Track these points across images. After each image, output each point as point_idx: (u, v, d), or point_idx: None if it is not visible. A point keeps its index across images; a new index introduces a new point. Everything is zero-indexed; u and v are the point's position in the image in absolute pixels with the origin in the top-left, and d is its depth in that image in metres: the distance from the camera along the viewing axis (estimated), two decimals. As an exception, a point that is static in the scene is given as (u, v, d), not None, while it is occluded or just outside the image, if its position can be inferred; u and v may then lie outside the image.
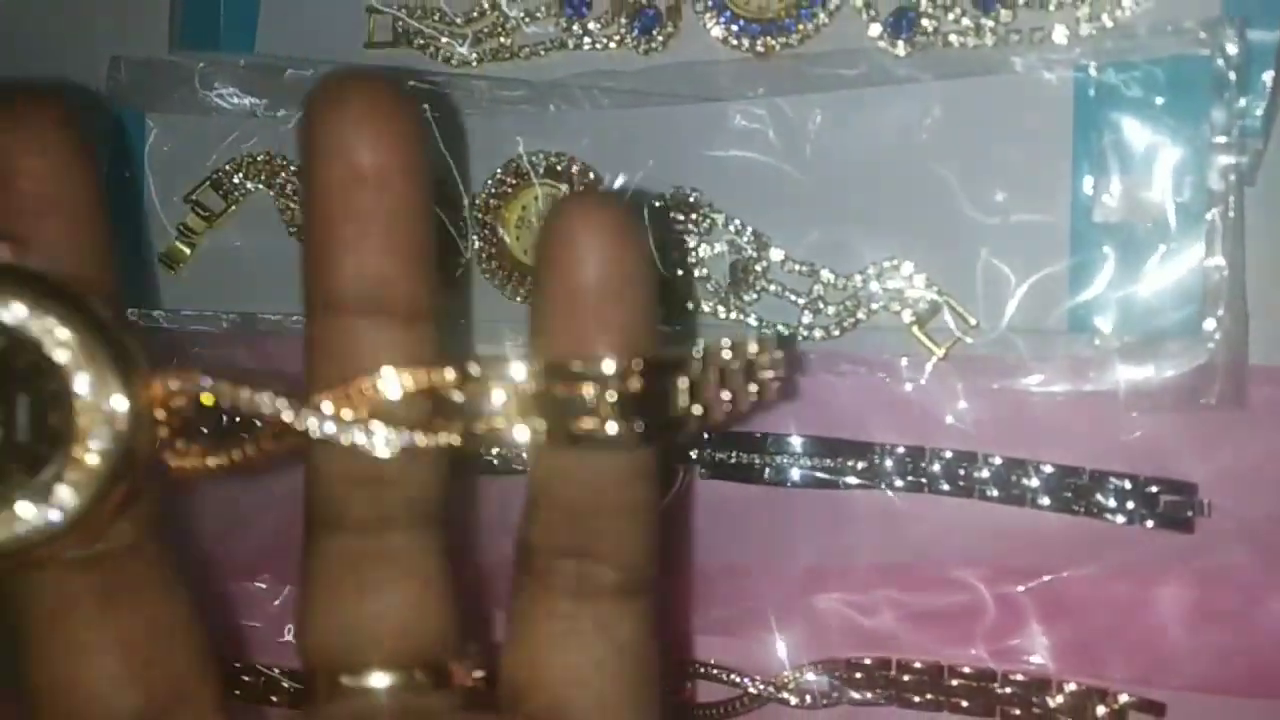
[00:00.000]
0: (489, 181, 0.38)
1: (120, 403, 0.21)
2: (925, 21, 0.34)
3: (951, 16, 0.33)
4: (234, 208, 0.41)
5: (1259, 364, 0.30)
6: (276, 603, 0.41)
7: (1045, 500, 0.33)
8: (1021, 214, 0.32)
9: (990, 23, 0.33)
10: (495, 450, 0.37)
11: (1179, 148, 0.30)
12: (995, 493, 0.33)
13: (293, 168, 0.40)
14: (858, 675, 0.34)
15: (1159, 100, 0.30)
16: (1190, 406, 0.30)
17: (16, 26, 0.45)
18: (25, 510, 0.21)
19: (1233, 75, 0.29)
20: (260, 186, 0.41)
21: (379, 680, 0.22)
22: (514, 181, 0.38)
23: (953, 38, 0.34)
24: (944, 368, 0.32)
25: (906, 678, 0.34)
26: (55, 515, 0.21)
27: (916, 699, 0.34)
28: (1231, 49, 0.29)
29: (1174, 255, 0.30)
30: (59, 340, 0.21)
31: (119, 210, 0.42)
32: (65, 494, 0.21)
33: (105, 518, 0.21)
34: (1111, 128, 0.31)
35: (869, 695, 0.34)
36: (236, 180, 0.41)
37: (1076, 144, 0.31)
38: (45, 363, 0.21)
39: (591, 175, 0.37)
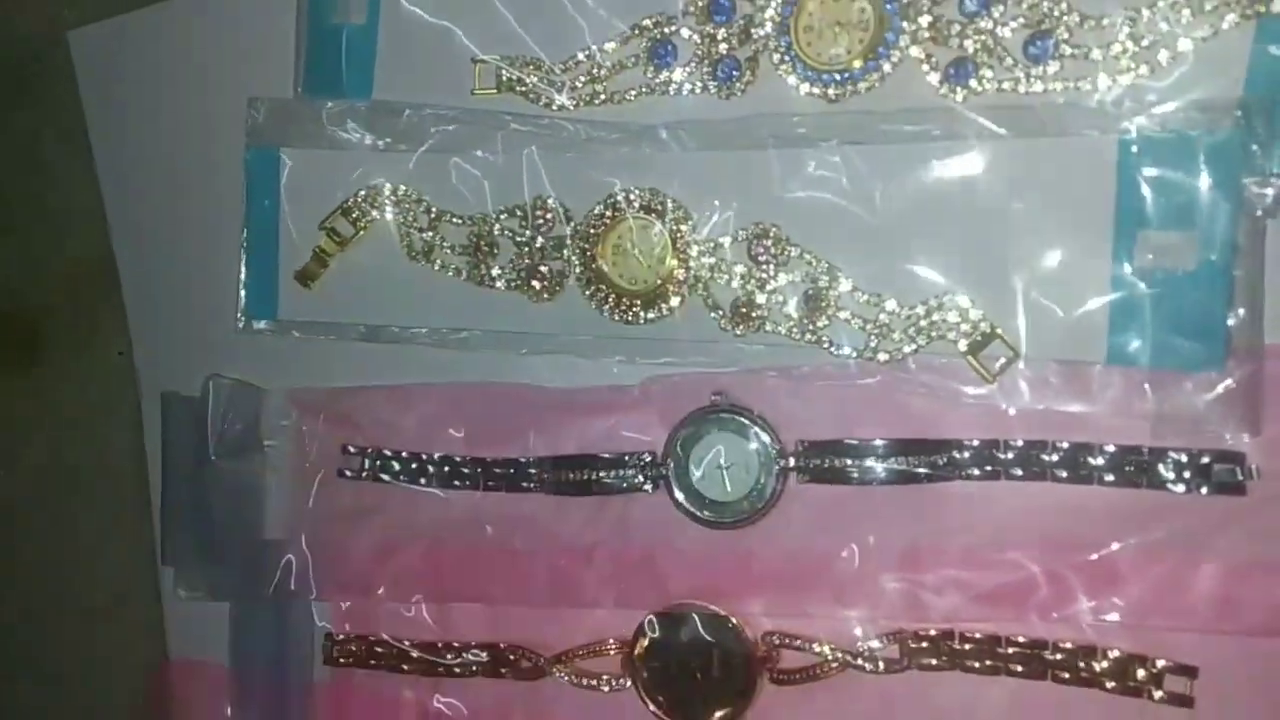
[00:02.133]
0: (588, 214, 0.43)
1: None
2: (981, 71, 0.37)
3: (1005, 65, 0.37)
4: (361, 233, 0.46)
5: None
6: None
7: (1110, 477, 0.37)
8: (1067, 258, 0.36)
9: (1040, 72, 0.37)
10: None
11: (1209, 206, 0.34)
12: (1064, 474, 0.37)
13: (413, 198, 0.45)
14: (923, 645, 0.40)
15: (1193, 163, 0.34)
16: (1211, 433, 0.34)
17: (157, 71, 0.50)
18: None
19: (1259, 150, 0.32)
20: (385, 215, 0.46)
21: None
22: (610, 214, 0.42)
23: (1006, 86, 0.37)
24: (993, 392, 0.37)
25: (967, 646, 0.39)
26: None
27: (976, 665, 0.39)
28: (1260, 128, 0.32)
29: (1202, 300, 0.34)
30: None
31: (260, 232, 0.48)
32: None
33: None
34: (1150, 185, 0.34)
35: (933, 662, 0.39)
36: (365, 209, 0.46)
37: (1119, 198, 0.35)
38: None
39: (682, 211, 0.41)
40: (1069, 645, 0.38)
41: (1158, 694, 0.37)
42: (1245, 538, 0.35)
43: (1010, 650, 0.39)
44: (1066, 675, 0.38)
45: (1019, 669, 0.38)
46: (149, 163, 0.52)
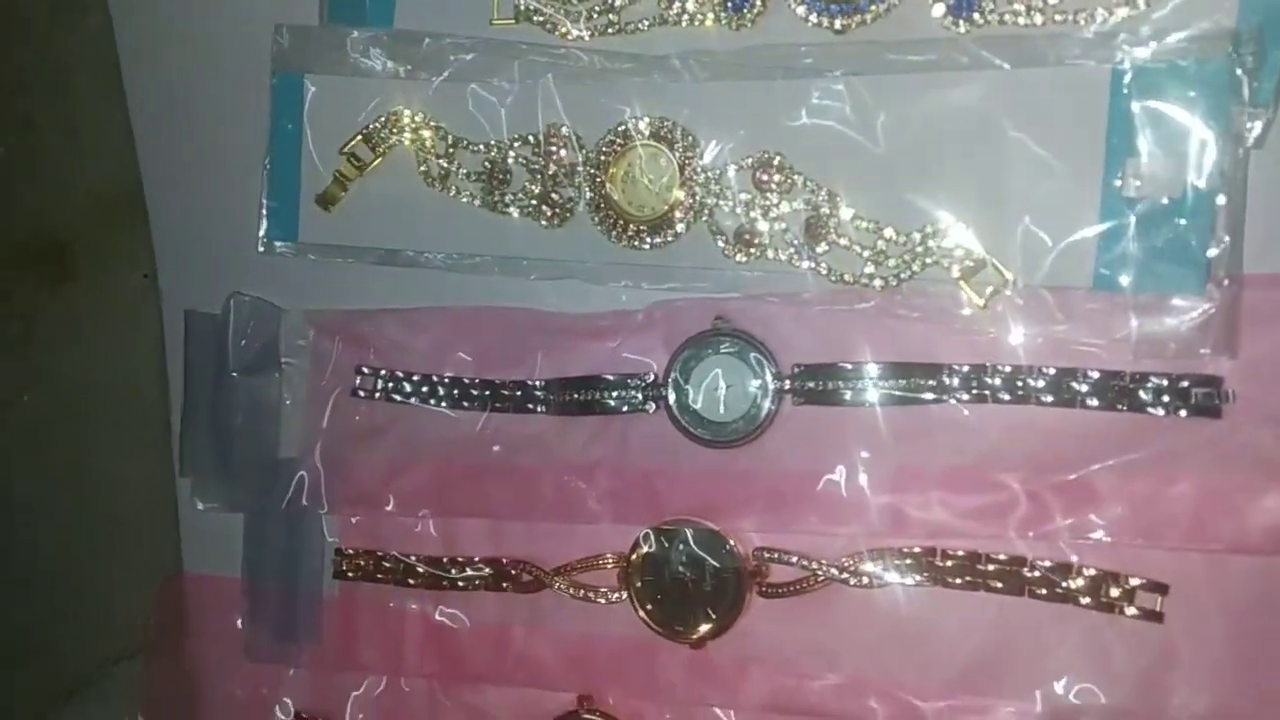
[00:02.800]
0: (599, 142, 0.44)
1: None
2: (984, 3, 0.38)
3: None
4: (381, 159, 0.48)
5: (1259, 273, 0.36)
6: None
7: (1093, 401, 0.38)
8: (1059, 187, 0.37)
9: (1040, 4, 0.38)
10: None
11: (1198, 135, 0.35)
12: (1049, 398, 0.38)
13: (433, 124, 0.47)
14: (906, 561, 0.41)
15: (1183, 93, 0.35)
16: (1190, 354, 0.35)
17: (180, 3, 0.52)
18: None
19: (1248, 80, 0.33)
20: (404, 140, 0.47)
21: None
22: (621, 142, 0.44)
23: (1008, 19, 0.38)
24: (983, 316, 0.38)
25: (948, 563, 0.41)
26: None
27: (957, 581, 0.40)
28: (1249, 58, 0.33)
29: (1186, 227, 0.35)
30: None
31: (283, 156, 0.49)
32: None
33: None
34: (1140, 115, 0.36)
35: (916, 579, 0.41)
36: (384, 135, 0.47)
37: (1110, 128, 0.36)
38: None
39: (690, 138, 0.43)
40: (1046, 563, 0.39)
41: (1130, 610, 0.38)
42: (1220, 459, 0.37)
43: (990, 567, 0.40)
44: (1043, 592, 0.39)
45: (998, 585, 0.40)
46: (177, 89, 0.53)
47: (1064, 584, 0.39)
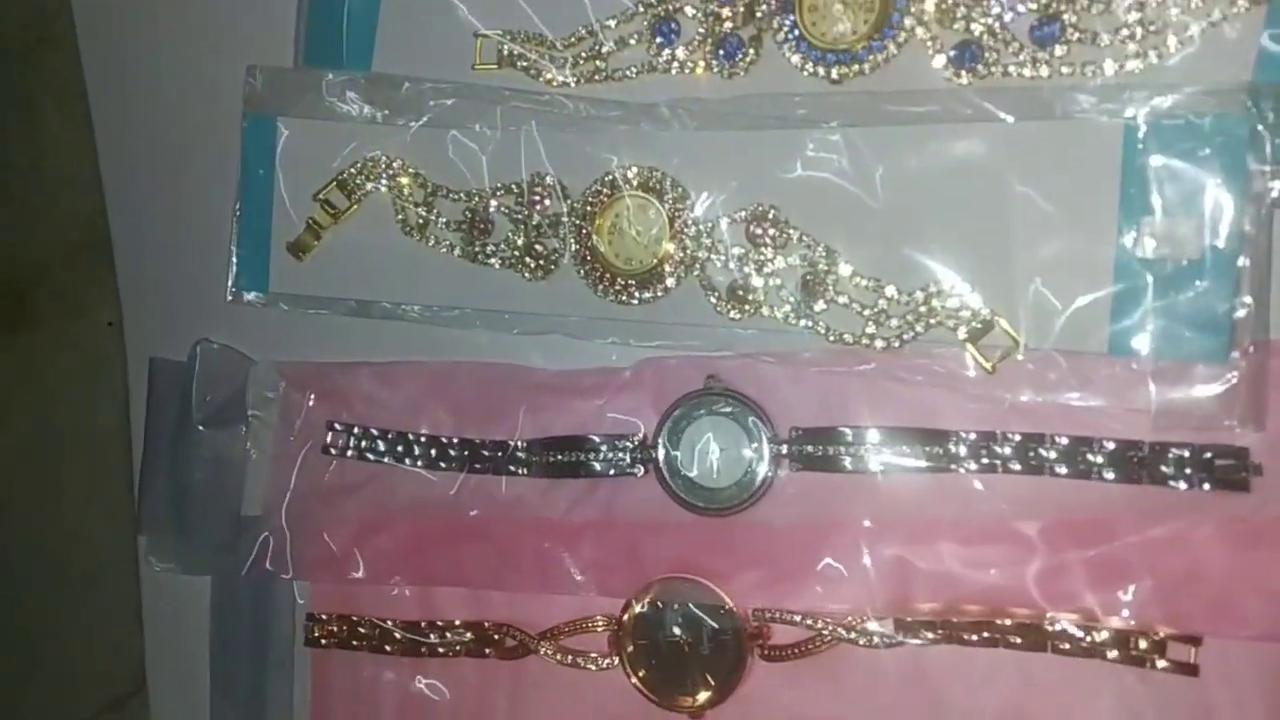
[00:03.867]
0: (585, 192, 0.42)
1: None
2: (987, 55, 0.37)
3: (1011, 50, 0.36)
4: (357, 206, 0.46)
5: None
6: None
7: (1110, 474, 0.36)
8: (1070, 245, 0.35)
9: (1046, 56, 0.36)
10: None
11: (1217, 194, 0.33)
12: (1063, 469, 0.36)
13: (411, 171, 0.45)
14: (920, 618, 0.38)
15: (1200, 150, 0.33)
16: (1214, 426, 0.33)
17: (158, 39, 0.50)
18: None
19: (1269, 136, 0.31)
20: (380, 187, 0.45)
21: None
22: (608, 193, 0.42)
23: (1012, 70, 0.37)
24: (991, 380, 0.36)
25: (965, 619, 0.38)
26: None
27: (974, 637, 0.38)
28: (1270, 114, 0.31)
29: (1207, 291, 0.33)
30: None
31: (254, 201, 0.47)
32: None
33: None
34: (1155, 172, 0.34)
35: (930, 636, 0.38)
36: (360, 181, 0.45)
37: (1123, 185, 0.34)
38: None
39: (680, 189, 0.41)
40: (1070, 615, 0.37)
41: (1161, 663, 0.36)
42: (1249, 536, 0.34)
43: (1009, 622, 0.38)
44: (1067, 646, 0.37)
45: (1018, 641, 0.37)
46: (147, 131, 0.51)
47: (1089, 637, 0.37)
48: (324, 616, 0.48)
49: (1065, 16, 0.35)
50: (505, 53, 0.43)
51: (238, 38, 0.48)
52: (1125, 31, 0.35)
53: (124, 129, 0.52)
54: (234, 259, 0.47)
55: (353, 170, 0.45)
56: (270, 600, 0.49)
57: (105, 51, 0.52)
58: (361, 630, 0.47)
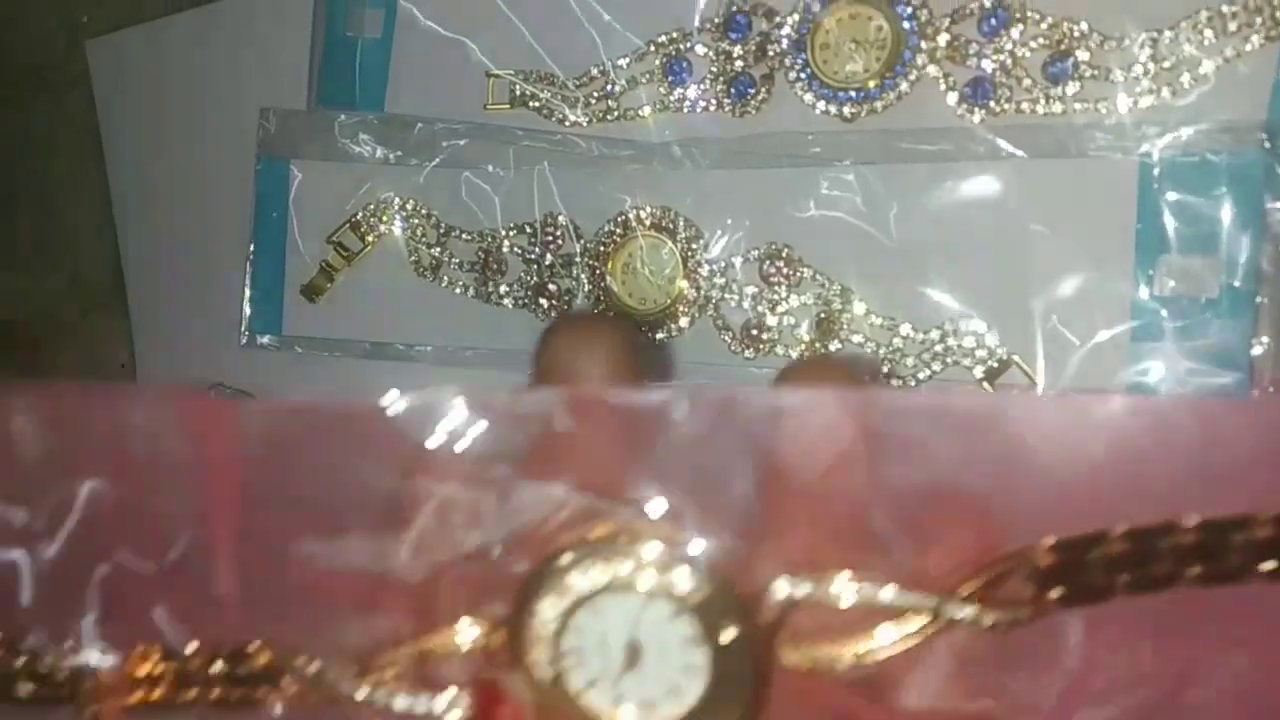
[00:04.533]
0: (598, 232, 0.42)
1: None
2: (1000, 91, 0.37)
3: (1024, 86, 0.36)
4: (370, 248, 0.46)
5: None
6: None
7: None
8: (1087, 283, 0.35)
9: (1059, 93, 0.36)
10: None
11: (1234, 231, 0.33)
12: None
13: (424, 212, 0.45)
14: None
15: (1216, 187, 0.33)
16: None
17: (172, 82, 0.51)
18: None
19: (1286, 172, 0.31)
20: (394, 229, 0.45)
21: None
22: (621, 232, 0.42)
23: (1025, 106, 0.37)
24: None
25: None
26: None
27: None
28: (1285, 150, 0.31)
29: (1225, 329, 0.33)
30: None
31: (267, 244, 0.47)
32: None
33: None
34: (1171, 209, 0.34)
35: None
36: (373, 223, 0.46)
37: (1140, 222, 0.34)
38: None
39: (694, 229, 0.41)
40: None
41: None
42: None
43: None
44: None
45: None
46: (161, 173, 0.52)
47: None
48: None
49: (1078, 53, 0.35)
50: (517, 92, 0.43)
51: (251, 80, 0.48)
52: (1139, 68, 0.35)
53: (137, 171, 0.52)
54: (247, 302, 0.48)
55: (366, 212, 0.46)
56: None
57: (118, 95, 0.53)
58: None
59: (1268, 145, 0.32)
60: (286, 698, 0.23)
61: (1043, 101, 0.36)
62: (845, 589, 0.21)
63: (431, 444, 0.21)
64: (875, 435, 0.21)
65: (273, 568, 0.23)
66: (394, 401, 0.20)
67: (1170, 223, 0.34)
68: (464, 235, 0.44)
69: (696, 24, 0.40)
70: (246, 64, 0.49)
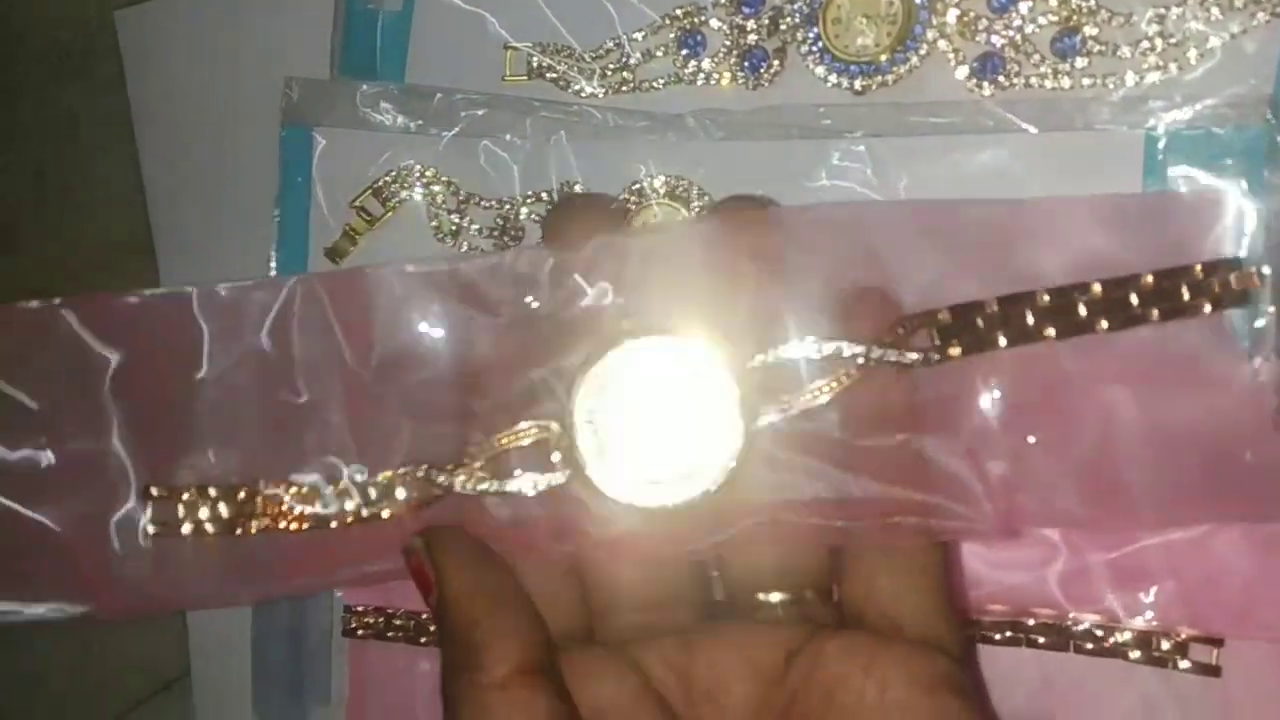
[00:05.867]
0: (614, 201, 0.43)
1: None
2: (1009, 66, 0.37)
3: (1033, 62, 0.37)
4: (391, 213, 0.47)
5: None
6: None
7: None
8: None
9: (1067, 68, 0.37)
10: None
11: (1237, 205, 0.34)
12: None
13: (444, 179, 0.46)
14: None
15: (1220, 161, 0.34)
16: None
17: (199, 52, 0.52)
18: None
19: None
20: (414, 195, 0.47)
21: (778, 597, 0.32)
22: (636, 201, 0.43)
23: (1034, 81, 0.37)
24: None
25: (988, 619, 0.39)
26: None
27: (997, 637, 0.38)
28: (1288, 123, 0.32)
29: (1226, 301, 0.34)
30: None
31: (292, 209, 0.49)
32: None
33: None
34: (1176, 183, 0.34)
35: None
36: (395, 189, 0.47)
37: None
38: None
39: (707, 198, 0.42)
40: (1092, 616, 0.38)
41: (1183, 663, 0.37)
42: (1273, 539, 0.35)
43: (1032, 622, 0.38)
44: (1090, 646, 0.38)
45: (1041, 640, 0.38)
46: (188, 141, 0.53)
47: (1112, 638, 0.37)
48: (360, 608, 0.49)
49: (1086, 29, 0.36)
50: (535, 64, 0.44)
51: (275, 50, 0.49)
52: (1146, 44, 0.35)
53: (166, 140, 0.54)
54: (273, 264, 0.49)
55: (387, 179, 0.47)
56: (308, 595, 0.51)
57: (147, 64, 0.54)
58: (397, 622, 0.49)
59: (1271, 119, 0.33)
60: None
61: (1051, 76, 0.37)
62: (801, 349, 0.31)
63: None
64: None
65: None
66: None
67: (1174, 195, 0.34)
68: (483, 202, 0.45)
69: (711, -3, 0.41)
70: (271, 34, 0.50)
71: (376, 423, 0.35)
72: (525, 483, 0.33)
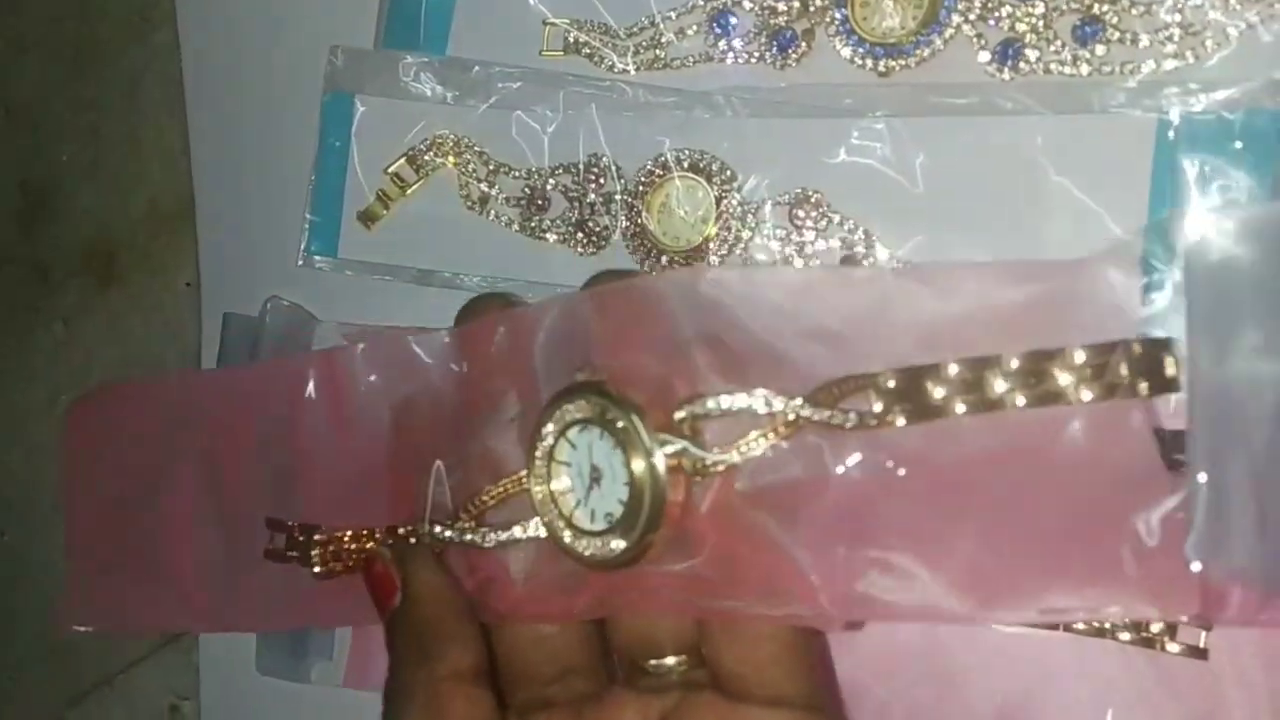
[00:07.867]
0: (638, 172, 0.44)
1: None
2: (1029, 52, 0.38)
3: (1053, 49, 0.38)
4: (424, 180, 0.49)
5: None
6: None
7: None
8: (1102, 235, 0.37)
9: (1087, 55, 0.38)
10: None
11: (1245, 189, 0.34)
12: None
13: (476, 149, 0.47)
14: None
15: (1230, 146, 0.34)
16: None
17: (251, 21, 0.54)
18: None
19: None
20: (447, 163, 0.48)
21: (672, 661, 0.33)
22: (660, 173, 0.44)
23: (1053, 67, 0.38)
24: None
25: None
26: None
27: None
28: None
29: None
30: None
31: (329, 172, 0.50)
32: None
33: None
34: (1185, 167, 0.35)
35: None
36: (428, 157, 0.48)
37: (1154, 179, 0.36)
38: None
39: (729, 172, 0.43)
40: None
41: (1172, 646, 0.36)
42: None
43: None
44: (1080, 627, 0.37)
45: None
46: (235, 106, 0.55)
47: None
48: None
49: (1107, 17, 0.37)
50: (571, 40, 0.46)
51: (324, 22, 0.51)
52: (1164, 33, 0.36)
53: (215, 104, 0.56)
54: (307, 225, 0.51)
55: (422, 147, 0.48)
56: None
57: (202, 32, 0.56)
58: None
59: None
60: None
61: (1070, 63, 0.38)
62: (727, 400, 0.30)
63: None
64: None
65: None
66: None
67: (1184, 180, 0.35)
68: (512, 172, 0.47)
69: (744, -22, 0.43)
70: (318, 5, 0.52)
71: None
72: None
